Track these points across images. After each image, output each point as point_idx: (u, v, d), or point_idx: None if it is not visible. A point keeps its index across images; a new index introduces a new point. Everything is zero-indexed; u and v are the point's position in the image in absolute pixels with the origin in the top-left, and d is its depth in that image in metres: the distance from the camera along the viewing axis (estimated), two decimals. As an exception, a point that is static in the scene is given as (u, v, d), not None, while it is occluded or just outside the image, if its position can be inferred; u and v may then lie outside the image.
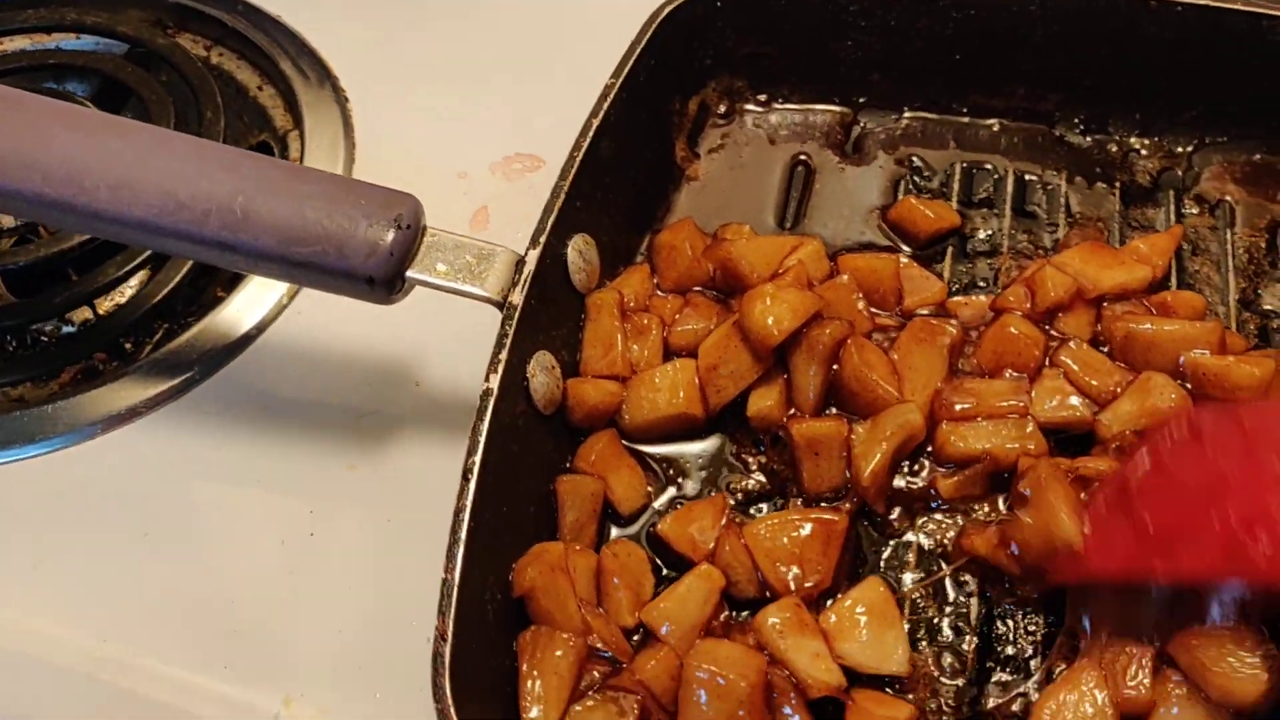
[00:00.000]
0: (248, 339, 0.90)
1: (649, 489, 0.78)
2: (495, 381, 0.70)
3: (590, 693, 0.68)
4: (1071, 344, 0.79)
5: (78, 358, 0.91)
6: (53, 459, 0.84)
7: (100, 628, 0.77)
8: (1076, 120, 0.93)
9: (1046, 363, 0.78)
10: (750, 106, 0.97)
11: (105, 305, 0.95)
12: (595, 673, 0.68)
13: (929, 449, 0.76)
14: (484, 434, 0.69)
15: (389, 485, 0.82)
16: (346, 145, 1.02)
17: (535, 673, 0.67)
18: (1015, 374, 0.78)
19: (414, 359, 0.87)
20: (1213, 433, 0.65)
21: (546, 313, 0.77)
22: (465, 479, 0.67)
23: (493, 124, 1.01)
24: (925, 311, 0.82)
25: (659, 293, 0.84)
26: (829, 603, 0.71)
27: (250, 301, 0.91)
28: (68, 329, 0.94)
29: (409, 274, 0.74)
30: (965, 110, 0.95)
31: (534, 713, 0.65)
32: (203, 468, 0.83)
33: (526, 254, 0.75)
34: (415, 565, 0.76)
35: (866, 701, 0.67)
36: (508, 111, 1.02)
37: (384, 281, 0.73)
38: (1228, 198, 0.88)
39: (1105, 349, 0.79)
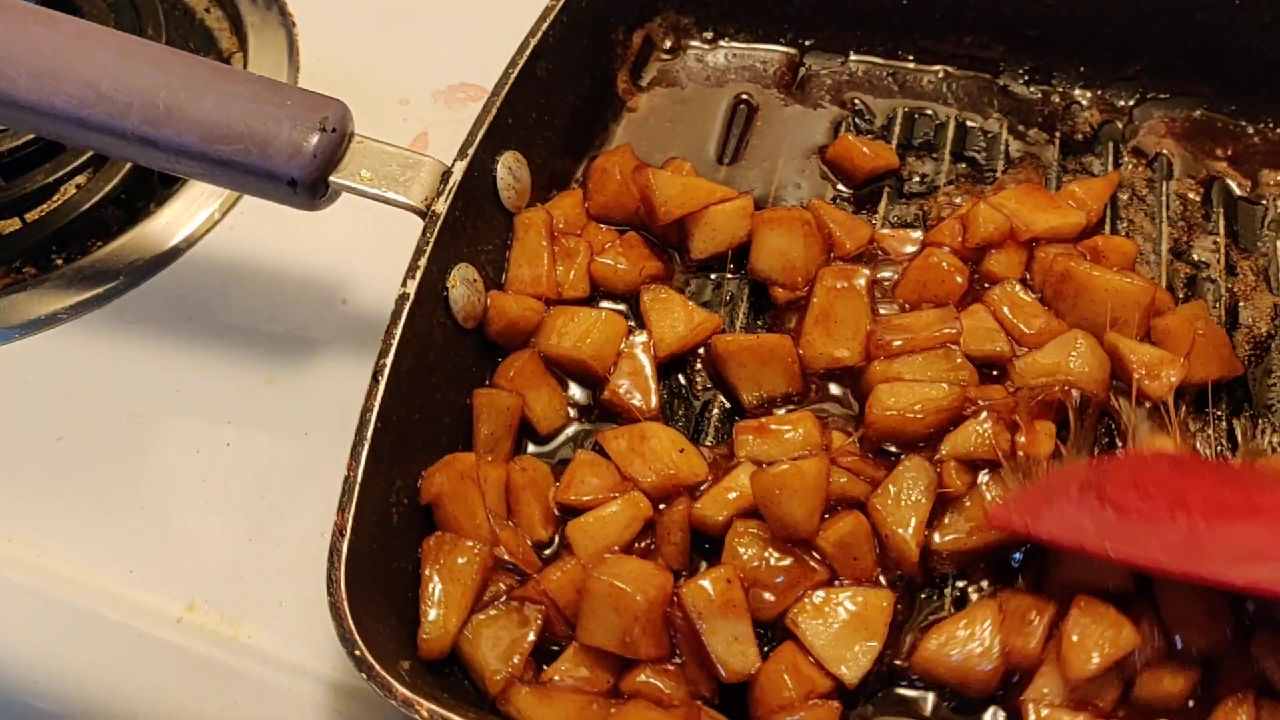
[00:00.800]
0: (176, 252, 0.89)
1: (569, 410, 0.77)
2: (412, 287, 0.70)
3: (495, 603, 0.67)
4: (1006, 285, 0.78)
5: (7, 267, 0.89)
6: None
7: (4, 525, 0.76)
8: (1021, 70, 0.93)
9: (975, 303, 0.78)
10: (695, 44, 0.96)
11: (32, 215, 0.93)
12: (501, 585, 0.68)
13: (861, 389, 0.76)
14: (397, 338, 0.68)
15: (308, 400, 0.81)
16: (290, 69, 1.01)
17: (437, 577, 0.66)
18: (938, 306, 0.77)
19: (343, 278, 0.87)
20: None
21: (472, 226, 0.76)
22: (375, 380, 0.66)
23: (438, 53, 1.00)
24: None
25: (591, 221, 0.83)
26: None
27: (181, 215, 0.90)
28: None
29: (333, 179, 0.73)
30: (911, 56, 0.94)
31: (432, 615, 0.65)
32: (122, 376, 0.82)
33: (453, 164, 0.74)
34: (330, 479, 0.74)
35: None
36: (454, 41, 1.01)
37: (307, 185, 0.72)
38: (1165, 151, 0.88)
39: (1036, 295, 0.79)
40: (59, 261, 0.90)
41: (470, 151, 0.75)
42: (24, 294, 0.86)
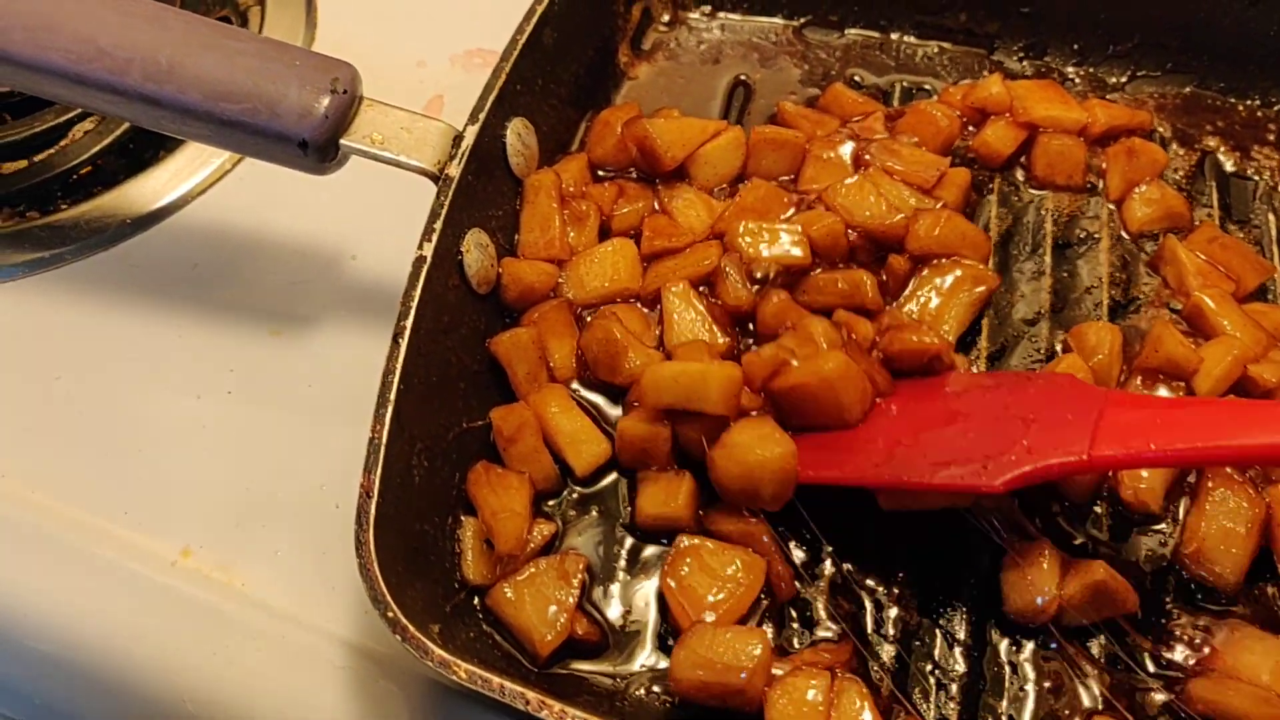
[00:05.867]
0: (185, 200, 0.88)
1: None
2: (429, 250, 0.69)
3: (534, 560, 0.67)
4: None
5: (9, 207, 0.87)
6: None
7: (1, 464, 0.74)
8: (1016, 47, 0.94)
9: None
10: (694, 16, 0.96)
11: (40, 156, 0.91)
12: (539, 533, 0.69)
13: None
14: (416, 299, 0.67)
15: (312, 352, 0.80)
16: (308, 26, 0.99)
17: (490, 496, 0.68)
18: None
19: (351, 235, 0.85)
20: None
21: (483, 191, 0.75)
22: (396, 342, 0.65)
23: (457, 17, 1.00)
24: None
25: (596, 182, 0.83)
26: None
27: (189, 164, 0.89)
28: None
29: (343, 142, 0.71)
30: (907, 32, 0.95)
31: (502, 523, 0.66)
32: (124, 318, 0.81)
33: (465, 129, 0.73)
34: (331, 432, 0.76)
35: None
36: (471, 6, 1.00)
37: (318, 146, 0.71)
38: (1158, 129, 0.90)
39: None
40: (64, 205, 0.88)
41: (481, 116, 0.74)
42: (28, 231, 0.85)
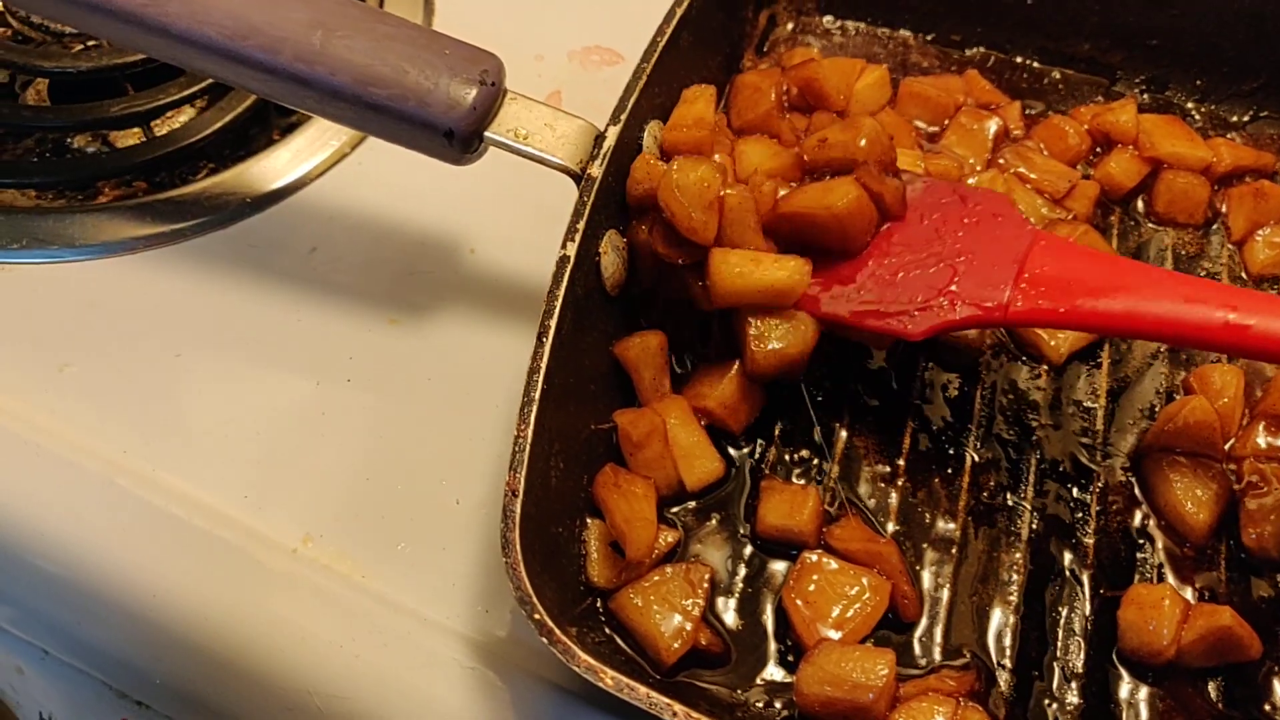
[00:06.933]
0: (303, 182, 0.87)
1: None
2: (572, 249, 0.68)
3: (661, 567, 0.67)
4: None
5: (118, 179, 0.87)
6: (89, 266, 0.82)
7: (122, 439, 0.74)
8: (1138, 79, 0.94)
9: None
10: (816, 22, 0.96)
11: (157, 130, 0.91)
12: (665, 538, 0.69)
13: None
14: (560, 299, 0.67)
15: (431, 344, 0.80)
16: (425, 12, 0.99)
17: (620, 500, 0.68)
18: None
19: (471, 227, 0.85)
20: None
21: (619, 192, 0.75)
22: (540, 340, 0.65)
23: (576, 12, 1.00)
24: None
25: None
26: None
27: (309, 146, 0.89)
28: (105, 149, 0.90)
29: (488, 134, 0.71)
30: (1030, 56, 0.95)
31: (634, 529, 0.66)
32: (243, 298, 0.81)
33: (607, 129, 0.73)
34: (452, 426, 0.76)
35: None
36: (591, 3, 1.00)
37: (463, 138, 0.70)
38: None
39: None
40: (175, 181, 0.88)
41: (623, 117, 0.74)
42: (148, 206, 0.85)
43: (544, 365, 0.64)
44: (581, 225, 0.69)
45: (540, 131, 0.72)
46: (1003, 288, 0.69)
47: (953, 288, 0.70)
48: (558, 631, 0.57)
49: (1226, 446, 0.74)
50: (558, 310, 0.66)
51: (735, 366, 0.73)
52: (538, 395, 0.63)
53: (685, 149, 0.76)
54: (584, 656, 0.56)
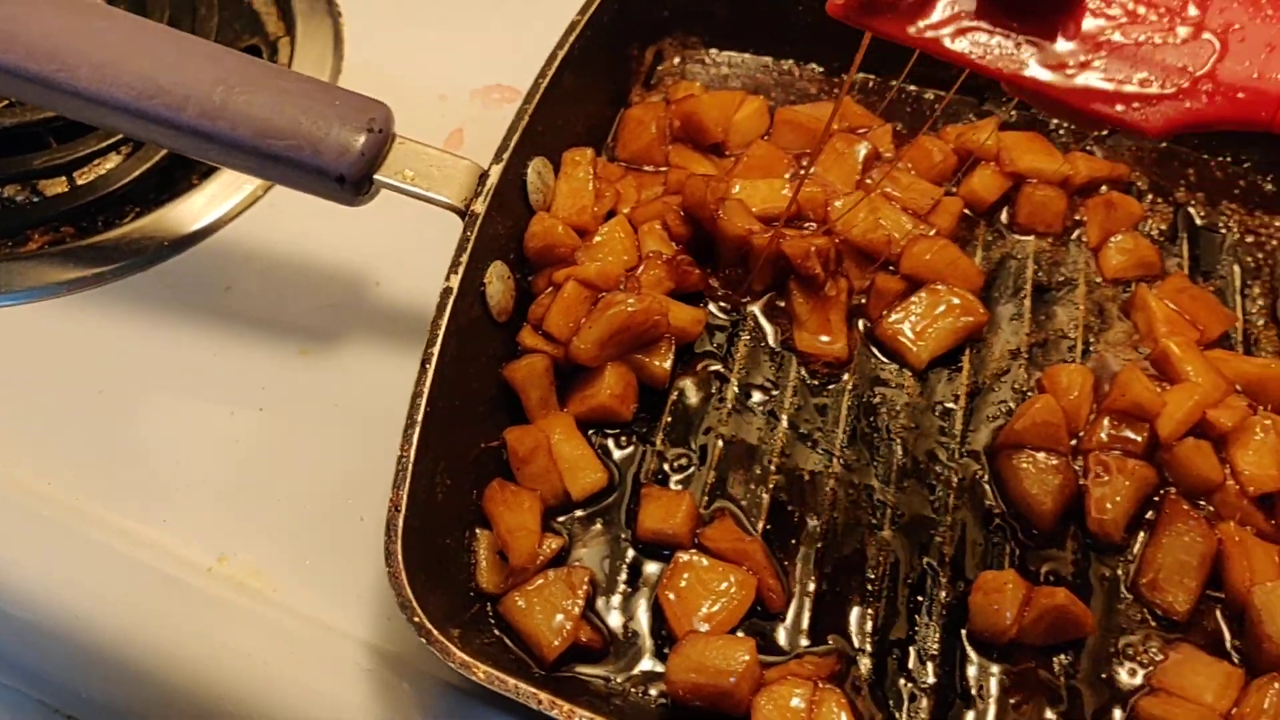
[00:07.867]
0: (218, 225, 0.93)
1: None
2: (455, 281, 0.74)
3: (544, 571, 0.73)
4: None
5: (46, 225, 0.93)
6: (16, 311, 0.87)
7: (49, 471, 0.80)
8: (1004, 98, 0.99)
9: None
10: (702, 54, 1.02)
11: (82, 179, 0.96)
12: (548, 546, 0.75)
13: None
14: (443, 328, 0.72)
15: (340, 373, 0.85)
16: (335, 57, 1.05)
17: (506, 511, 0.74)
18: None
19: (378, 261, 0.91)
20: None
21: (504, 226, 0.81)
22: (423, 367, 0.71)
23: (478, 53, 1.05)
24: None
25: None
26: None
27: (224, 190, 0.94)
28: (35, 198, 0.95)
29: (377, 176, 0.77)
30: (905, 80, 1.01)
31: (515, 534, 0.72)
32: (161, 336, 0.86)
33: (490, 168, 0.79)
34: (357, 448, 0.81)
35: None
36: (494, 43, 1.06)
37: (353, 181, 0.76)
38: (1136, 181, 0.96)
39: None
40: (104, 226, 0.93)
41: (505, 156, 0.80)
42: (71, 253, 0.90)
43: (426, 390, 0.70)
44: (465, 259, 0.75)
45: (427, 172, 0.78)
46: None
47: (1213, 68, 0.54)
48: (436, 633, 0.62)
49: (1075, 440, 0.80)
50: (440, 339, 0.72)
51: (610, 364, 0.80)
52: (420, 418, 0.69)
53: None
54: (459, 654, 0.62)
